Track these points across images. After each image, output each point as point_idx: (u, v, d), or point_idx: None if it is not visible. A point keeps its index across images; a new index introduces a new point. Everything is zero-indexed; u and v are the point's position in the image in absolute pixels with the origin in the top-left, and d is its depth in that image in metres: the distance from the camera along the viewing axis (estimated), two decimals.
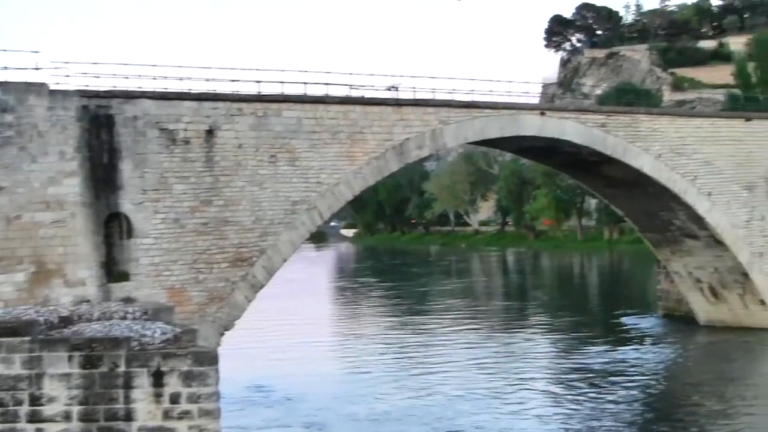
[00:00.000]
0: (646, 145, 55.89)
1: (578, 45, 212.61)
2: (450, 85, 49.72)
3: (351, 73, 46.95)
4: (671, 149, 56.87)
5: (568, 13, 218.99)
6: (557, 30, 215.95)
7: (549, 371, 51.87)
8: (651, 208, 60.13)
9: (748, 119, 61.63)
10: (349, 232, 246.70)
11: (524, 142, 54.17)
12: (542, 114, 52.70)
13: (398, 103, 47.49)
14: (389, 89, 48.04)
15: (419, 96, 48.70)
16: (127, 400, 29.58)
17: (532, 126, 51.98)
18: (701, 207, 57.85)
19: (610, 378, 47.75)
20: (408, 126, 47.43)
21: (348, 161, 45.43)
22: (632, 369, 50.27)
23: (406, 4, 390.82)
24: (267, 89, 44.28)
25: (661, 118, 57.98)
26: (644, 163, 55.77)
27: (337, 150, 45.19)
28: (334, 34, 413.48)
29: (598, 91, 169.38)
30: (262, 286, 43.23)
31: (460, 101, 49.79)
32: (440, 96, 49.46)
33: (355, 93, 46.78)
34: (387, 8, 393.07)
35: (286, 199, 43.68)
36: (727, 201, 58.97)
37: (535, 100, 61.17)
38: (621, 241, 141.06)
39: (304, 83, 45.23)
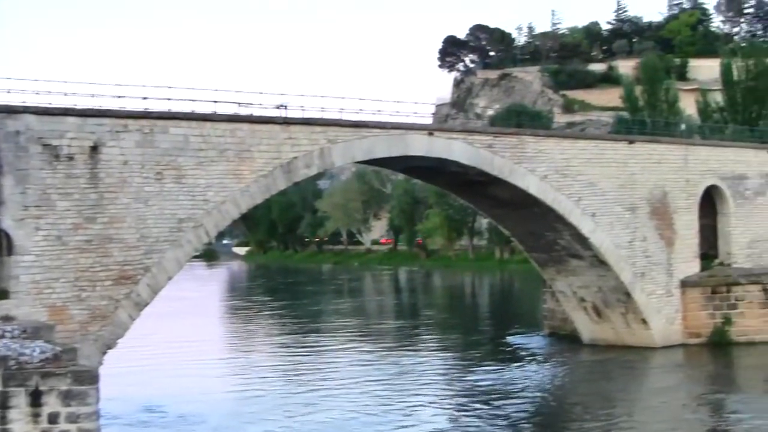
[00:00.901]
0: (533, 166, 56.65)
1: (471, 66, 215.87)
2: (339, 104, 49.89)
3: (239, 91, 46.62)
4: (557, 170, 57.74)
5: (461, 33, 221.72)
6: (451, 50, 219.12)
7: (438, 390, 52.19)
8: (537, 229, 60.88)
9: (631, 142, 63.00)
10: (241, 250, 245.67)
11: (412, 162, 54.48)
12: (430, 134, 53.10)
13: (286, 121, 47.36)
14: (278, 107, 47.95)
15: (308, 115, 48.70)
16: (4, 420, 29.13)
17: (420, 146, 52.33)
18: (585, 227, 58.76)
19: (495, 397, 48.14)
20: (296, 144, 47.33)
21: (235, 179, 45.14)
22: (517, 387, 50.82)
23: (297, 21, 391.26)
24: (154, 106, 43.69)
25: (547, 140, 58.91)
26: (530, 183, 56.49)
27: (225, 168, 44.82)
28: (223, 51, 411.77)
29: (491, 112, 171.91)
30: (146, 305, 42.66)
31: (348, 120, 49.85)
32: (329, 115, 49.49)
33: (243, 111, 46.55)
34: (277, 26, 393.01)
35: (172, 217, 43.16)
36: (610, 222, 60.05)
37: (427, 120, 61.61)
38: (512, 260, 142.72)
39: (192, 100, 44.80)
